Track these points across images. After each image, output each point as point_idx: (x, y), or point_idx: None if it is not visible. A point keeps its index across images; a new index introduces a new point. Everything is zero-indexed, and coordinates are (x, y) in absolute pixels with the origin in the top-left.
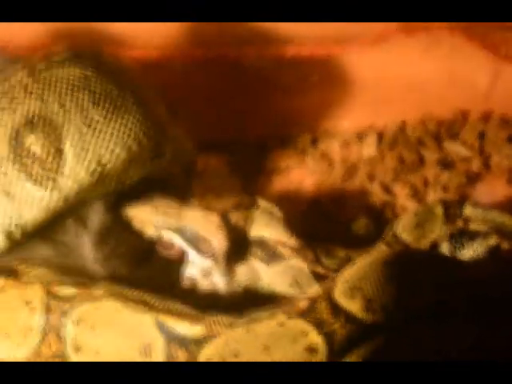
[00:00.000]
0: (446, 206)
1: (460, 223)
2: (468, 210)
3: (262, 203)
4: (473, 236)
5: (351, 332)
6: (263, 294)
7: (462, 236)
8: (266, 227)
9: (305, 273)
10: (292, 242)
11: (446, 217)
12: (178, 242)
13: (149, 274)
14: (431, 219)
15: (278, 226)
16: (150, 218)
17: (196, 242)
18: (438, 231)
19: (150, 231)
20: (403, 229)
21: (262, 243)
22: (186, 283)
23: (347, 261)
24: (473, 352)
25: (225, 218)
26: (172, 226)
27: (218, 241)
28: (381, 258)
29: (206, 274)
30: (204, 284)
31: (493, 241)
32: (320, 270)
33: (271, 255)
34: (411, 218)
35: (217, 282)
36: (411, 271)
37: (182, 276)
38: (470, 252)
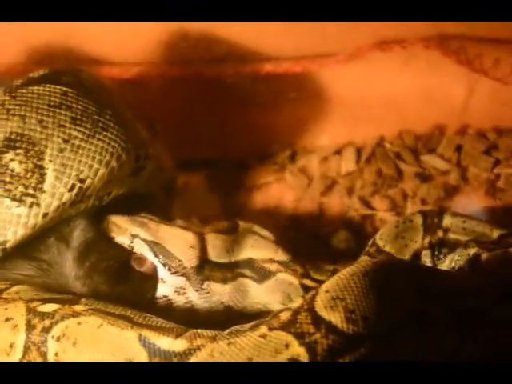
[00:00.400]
0: (425, 216)
1: (440, 233)
2: (447, 220)
3: (241, 224)
4: (453, 246)
5: (333, 343)
6: (250, 311)
7: (442, 246)
8: (251, 248)
9: (295, 286)
10: (279, 256)
11: (425, 227)
12: (150, 256)
13: (127, 289)
14: (411, 230)
15: (263, 244)
16: (126, 227)
17: (167, 259)
18: (419, 241)
19: (125, 240)
20: (385, 240)
21: (250, 264)
22: (160, 302)
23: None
24: (453, 360)
25: (199, 237)
26: (147, 238)
27: (188, 260)
28: (362, 269)
29: (180, 291)
30: (179, 301)
31: (473, 251)
32: (309, 282)
33: (261, 274)
34: (392, 229)
35: (191, 298)
36: (393, 282)
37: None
38: (450, 262)
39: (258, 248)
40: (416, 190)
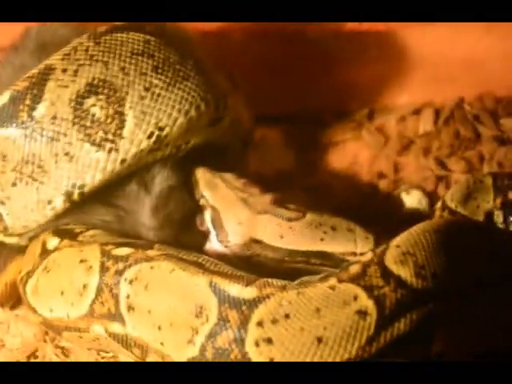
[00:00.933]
0: (495, 177)
1: (511, 195)
2: None
3: (309, 215)
4: None
5: (402, 297)
6: None
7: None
8: (321, 242)
9: None
10: (360, 248)
11: (496, 188)
12: (207, 218)
13: (189, 241)
14: (482, 190)
15: (338, 236)
16: (202, 187)
17: (217, 227)
18: (490, 201)
19: (197, 196)
20: (457, 201)
21: (320, 255)
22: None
23: None
24: None
25: (252, 216)
26: (209, 202)
27: (234, 235)
28: (435, 226)
29: (222, 257)
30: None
31: None
32: None
33: (339, 263)
34: (463, 190)
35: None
36: (464, 241)
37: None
38: None
39: (333, 242)
40: (493, 152)
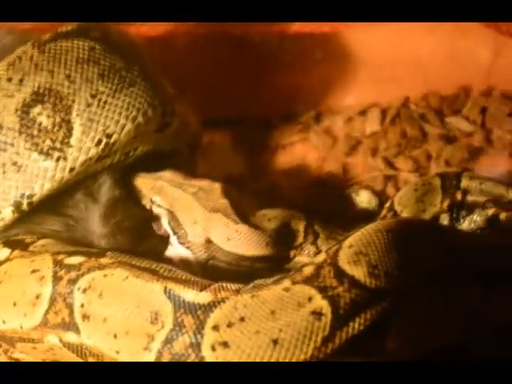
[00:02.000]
0: (444, 178)
1: (458, 195)
2: (465, 182)
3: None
4: (471, 208)
5: (356, 296)
6: None
7: (461, 208)
8: (265, 247)
9: None
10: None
11: (444, 189)
12: (164, 222)
13: (147, 249)
14: (430, 193)
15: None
16: (148, 194)
17: (176, 228)
18: (438, 205)
19: (146, 203)
20: (404, 205)
21: (261, 259)
22: (164, 261)
23: None
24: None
25: (206, 216)
26: (162, 205)
27: (193, 235)
28: (386, 226)
29: (185, 261)
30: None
31: (491, 211)
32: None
33: (279, 263)
34: (411, 192)
35: (197, 270)
36: (416, 239)
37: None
38: (469, 223)
39: (274, 245)
40: (440, 151)
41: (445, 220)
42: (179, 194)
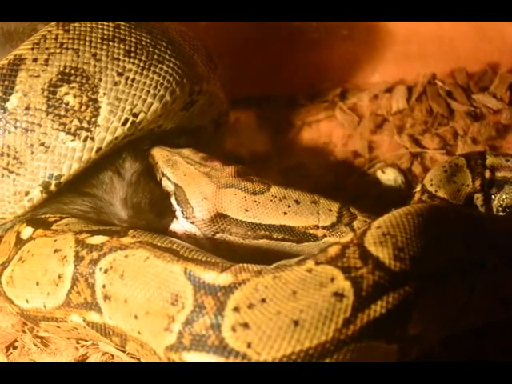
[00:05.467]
0: (468, 158)
1: (487, 174)
2: (490, 159)
3: (273, 188)
4: (500, 184)
5: (379, 279)
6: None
7: (491, 186)
8: (284, 216)
9: None
10: (323, 221)
11: (470, 168)
12: (172, 198)
13: (162, 226)
14: (459, 173)
15: (301, 210)
16: (162, 166)
17: (182, 204)
18: (470, 184)
19: (157, 176)
20: (437, 186)
21: (285, 230)
22: (169, 235)
23: None
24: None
25: (217, 191)
26: (171, 179)
27: (200, 211)
28: (418, 210)
29: (190, 235)
30: (189, 242)
31: None
32: None
33: (303, 237)
34: (441, 173)
35: (202, 243)
36: (446, 227)
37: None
38: (498, 201)
39: (296, 216)
40: (467, 128)
41: (479, 201)
42: (191, 170)
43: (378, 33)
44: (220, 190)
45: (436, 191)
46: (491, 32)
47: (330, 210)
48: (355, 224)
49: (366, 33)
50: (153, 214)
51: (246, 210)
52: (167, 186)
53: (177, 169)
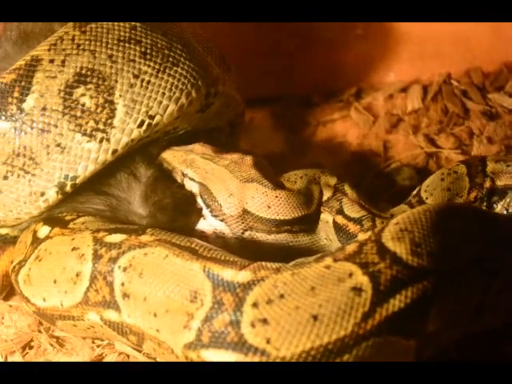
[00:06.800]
0: (469, 165)
1: (487, 183)
2: (491, 165)
3: (287, 184)
4: (502, 192)
5: (397, 273)
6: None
7: (493, 194)
8: (304, 206)
9: (329, 225)
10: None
11: (470, 177)
12: (197, 197)
13: (187, 223)
14: (457, 182)
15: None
16: (180, 167)
17: (209, 201)
18: (464, 195)
19: (178, 178)
20: (429, 193)
21: (302, 220)
22: (196, 235)
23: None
24: None
25: (241, 186)
26: (194, 178)
27: (228, 208)
28: (437, 207)
29: (219, 233)
30: (217, 242)
31: None
32: (340, 219)
33: (313, 222)
34: (437, 181)
35: (231, 242)
36: (464, 225)
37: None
38: (501, 208)
39: (308, 203)
40: (483, 128)
41: None
42: (211, 166)
43: (393, 32)
44: (243, 185)
45: (427, 198)
46: (507, 32)
47: (328, 186)
48: (344, 199)
49: (380, 32)
50: (177, 213)
51: (269, 207)
52: (191, 186)
53: (197, 167)
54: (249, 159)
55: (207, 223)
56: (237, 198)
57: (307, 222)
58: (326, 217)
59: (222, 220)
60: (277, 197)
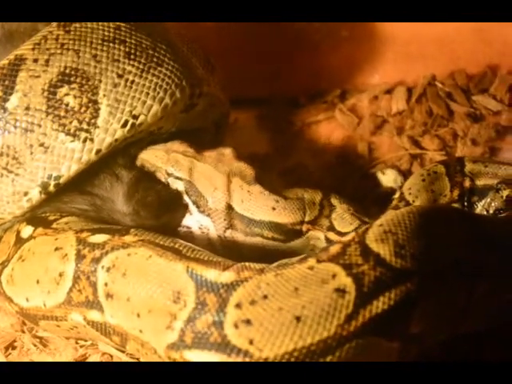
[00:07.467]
0: (447, 165)
1: (467, 183)
2: (469, 167)
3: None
4: (481, 192)
5: (380, 275)
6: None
7: (472, 194)
8: (272, 212)
9: (321, 240)
10: (308, 216)
11: (450, 177)
12: (183, 194)
13: (171, 220)
14: (437, 181)
15: (289, 206)
16: (162, 166)
17: (195, 197)
18: (448, 195)
19: (162, 177)
20: (414, 195)
21: (273, 227)
22: (182, 231)
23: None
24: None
25: (226, 180)
26: (180, 176)
27: (214, 202)
28: (420, 209)
29: (204, 230)
30: (201, 239)
31: (506, 192)
32: (332, 236)
33: (290, 235)
34: (419, 182)
35: (213, 241)
36: (448, 227)
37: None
38: (482, 208)
39: (284, 212)
40: (467, 130)
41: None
42: (195, 163)
43: (377, 34)
44: (227, 178)
45: (413, 201)
46: (491, 34)
47: (314, 204)
48: (333, 216)
49: (365, 34)
50: (162, 210)
51: (242, 201)
52: (176, 184)
53: (181, 165)
54: (228, 152)
55: (194, 219)
56: (221, 192)
57: (280, 233)
58: (317, 234)
59: (208, 215)
60: (249, 191)
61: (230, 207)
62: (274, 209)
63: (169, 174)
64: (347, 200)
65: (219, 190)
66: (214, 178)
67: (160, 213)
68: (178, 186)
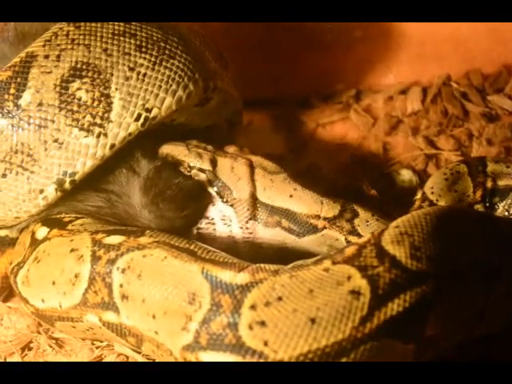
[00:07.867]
0: (469, 165)
1: (489, 183)
2: (491, 166)
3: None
4: (503, 193)
5: (395, 277)
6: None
7: (493, 195)
8: (290, 199)
9: (340, 242)
10: (325, 212)
11: (471, 175)
12: (208, 186)
13: (193, 212)
14: (460, 180)
15: (306, 197)
16: (184, 159)
17: (219, 188)
18: (471, 195)
19: (184, 171)
20: (438, 194)
21: (289, 215)
22: (205, 222)
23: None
24: None
25: (249, 169)
26: (203, 168)
27: (238, 191)
28: (437, 211)
29: (226, 221)
30: (222, 231)
31: None
32: (355, 239)
33: (304, 228)
34: (442, 181)
35: (234, 234)
36: (465, 229)
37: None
38: (503, 209)
39: (300, 201)
40: (482, 130)
41: (479, 210)
42: (216, 157)
43: (392, 34)
44: (250, 169)
45: (437, 200)
46: (506, 33)
47: (334, 202)
48: (356, 221)
49: (380, 34)
50: (186, 200)
51: (265, 189)
52: (200, 176)
53: (203, 158)
54: (245, 149)
55: (217, 209)
56: (245, 181)
57: (296, 223)
58: (334, 234)
59: (231, 205)
60: (271, 180)
61: (253, 196)
62: (291, 196)
63: (191, 167)
64: (370, 207)
65: (243, 180)
66: (236, 168)
67: (184, 204)
68: (201, 177)
